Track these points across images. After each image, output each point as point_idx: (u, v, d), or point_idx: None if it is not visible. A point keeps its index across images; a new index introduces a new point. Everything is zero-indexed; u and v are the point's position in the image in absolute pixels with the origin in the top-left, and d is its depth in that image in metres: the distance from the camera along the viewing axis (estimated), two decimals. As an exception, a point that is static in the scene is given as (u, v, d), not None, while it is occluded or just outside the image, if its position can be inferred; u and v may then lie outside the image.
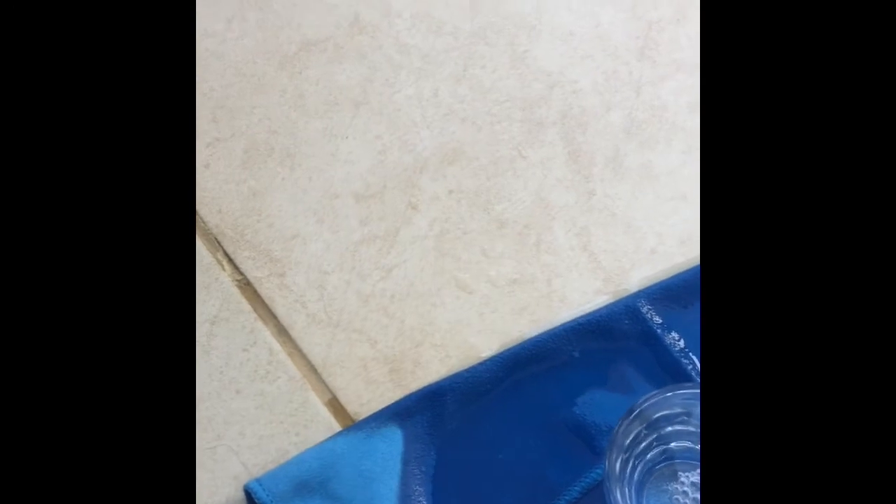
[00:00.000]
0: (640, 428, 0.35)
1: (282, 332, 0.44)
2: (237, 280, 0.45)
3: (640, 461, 0.36)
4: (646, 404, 0.35)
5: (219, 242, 0.45)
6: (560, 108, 0.47)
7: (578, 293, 0.43)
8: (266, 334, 0.44)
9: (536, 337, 0.42)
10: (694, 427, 0.36)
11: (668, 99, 0.46)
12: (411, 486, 0.39)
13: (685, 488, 0.36)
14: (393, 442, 0.40)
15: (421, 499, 0.39)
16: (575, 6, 0.48)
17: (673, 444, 0.36)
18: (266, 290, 0.44)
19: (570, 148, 0.46)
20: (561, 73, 0.47)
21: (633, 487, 0.36)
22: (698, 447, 0.36)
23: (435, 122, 0.47)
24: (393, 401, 0.41)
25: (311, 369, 0.43)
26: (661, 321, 0.41)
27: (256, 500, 0.39)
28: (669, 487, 0.37)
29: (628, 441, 0.35)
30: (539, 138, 0.46)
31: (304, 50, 0.49)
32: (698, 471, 0.36)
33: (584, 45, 0.47)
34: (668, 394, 0.35)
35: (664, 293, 0.42)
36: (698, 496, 0.36)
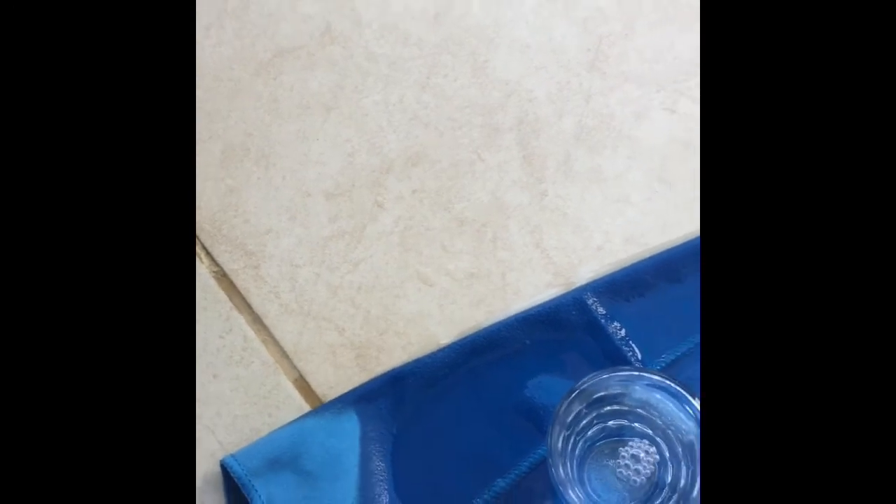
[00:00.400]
0: (580, 407, 0.39)
1: (256, 320, 0.47)
2: (214, 272, 0.48)
3: (581, 438, 0.39)
4: (585, 385, 0.38)
5: (197, 236, 0.48)
6: (516, 115, 0.50)
7: (530, 286, 0.47)
8: (241, 322, 0.47)
9: (491, 326, 0.45)
10: (629, 406, 0.39)
11: (616, 108, 0.50)
12: (373, 463, 0.43)
13: (626, 461, 0.40)
14: (356, 422, 0.44)
15: (382, 475, 0.42)
16: (531, 21, 0.52)
17: (611, 423, 0.40)
18: (241, 281, 0.48)
19: (525, 152, 0.49)
20: (517, 82, 0.51)
21: (575, 462, 0.39)
22: (635, 424, 0.40)
23: (400, 127, 0.50)
24: (358, 384, 0.45)
25: (283, 355, 0.46)
26: (604, 312, 0.45)
27: (232, 475, 0.43)
28: (609, 462, 0.40)
29: (570, 419, 0.38)
30: (496, 143, 0.50)
31: (278, 57, 0.52)
32: (635, 444, 0.39)
33: (539, 56, 0.51)
34: (605, 375, 0.38)
35: (608, 287, 0.45)
36: (639, 467, 0.39)
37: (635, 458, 0.39)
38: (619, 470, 0.40)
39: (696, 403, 0.37)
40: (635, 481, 0.39)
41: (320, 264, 0.48)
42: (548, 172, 0.49)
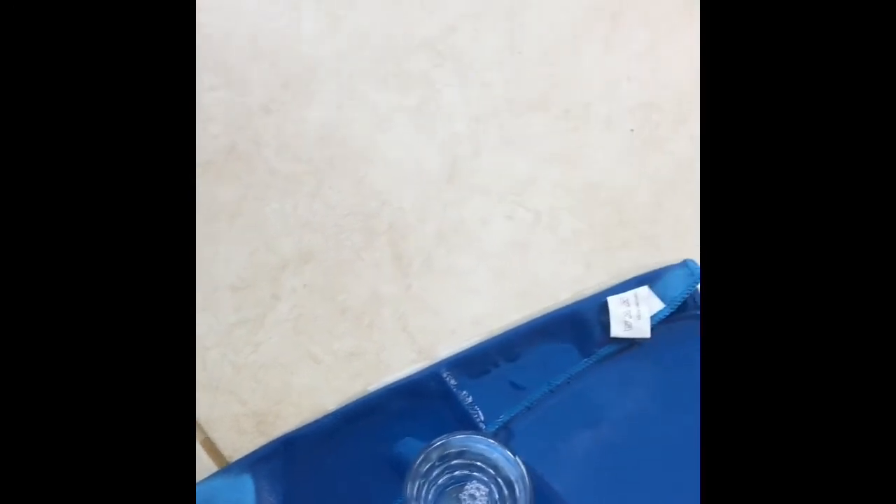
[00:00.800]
0: (432, 461, 0.50)
1: (173, 395, 0.57)
2: (137, 354, 0.58)
3: (434, 485, 0.51)
4: (436, 444, 0.50)
5: (122, 325, 0.58)
6: (388, 221, 0.62)
7: (399, 362, 0.58)
8: (161, 397, 0.57)
9: (367, 396, 0.57)
10: (469, 459, 0.51)
11: (467, 215, 0.62)
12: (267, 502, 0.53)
13: (466, 500, 0.52)
14: (254, 479, 0.54)
15: None
16: (400, 143, 0.64)
17: (457, 472, 0.51)
18: (161, 362, 0.58)
19: (395, 251, 0.61)
20: (389, 192, 0.63)
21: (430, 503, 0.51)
22: (474, 473, 0.51)
23: (294, 231, 0.61)
24: (258, 447, 0.55)
25: (196, 424, 0.56)
26: (455, 383, 0.57)
27: (155, 524, 0.52)
28: (457, 496, 0.52)
29: (424, 470, 0.50)
30: (372, 244, 0.61)
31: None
32: (471, 486, 0.51)
33: (406, 172, 0.63)
34: (451, 437, 0.50)
35: (459, 363, 0.57)
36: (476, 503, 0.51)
37: (472, 496, 0.51)
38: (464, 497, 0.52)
39: (513, 456, 0.49)
40: (474, 517, 0.51)
41: (226, 346, 0.58)
42: (413, 269, 0.61)
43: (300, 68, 0.65)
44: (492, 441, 0.50)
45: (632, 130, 0.64)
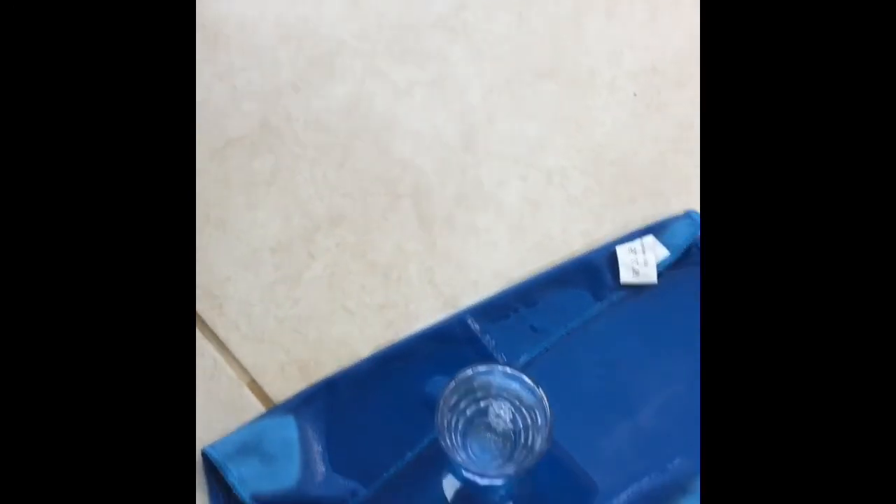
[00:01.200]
0: (459, 394, 0.55)
1: (221, 346, 0.62)
2: (187, 312, 0.63)
3: (462, 417, 0.56)
4: (460, 376, 0.54)
5: (172, 286, 0.64)
6: (411, 185, 0.67)
7: (427, 312, 0.63)
8: (210, 349, 0.62)
9: (399, 342, 0.62)
10: (493, 391, 0.56)
11: (484, 178, 0.67)
12: (313, 446, 0.58)
13: (496, 435, 0.57)
14: (300, 418, 0.59)
15: (319, 454, 0.58)
16: (419, 113, 0.69)
17: (482, 404, 0.56)
18: (209, 317, 0.63)
19: (419, 212, 0.66)
20: (411, 160, 0.68)
21: (459, 435, 0.56)
22: (499, 403, 0.56)
23: (325, 196, 0.67)
24: (301, 390, 0.61)
25: (244, 371, 0.62)
26: (478, 328, 0.62)
27: (211, 460, 0.58)
28: (486, 434, 0.57)
29: (451, 404, 0.55)
30: (397, 206, 0.67)
31: (228, 145, 0.68)
32: (496, 406, 0.55)
33: (426, 140, 0.68)
34: (475, 369, 0.54)
35: (481, 309, 0.62)
36: (500, 422, 0.56)
37: (497, 416, 0.55)
38: (490, 440, 0.57)
39: (532, 383, 0.53)
40: (501, 444, 0.56)
41: (269, 302, 0.63)
42: (436, 227, 0.66)
43: (324, 48, 0.70)
44: (512, 371, 0.54)
45: (635, 95, 0.69)
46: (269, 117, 0.68)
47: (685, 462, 0.57)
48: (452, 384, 0.53)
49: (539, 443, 0.52)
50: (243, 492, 0.57)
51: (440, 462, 0.59)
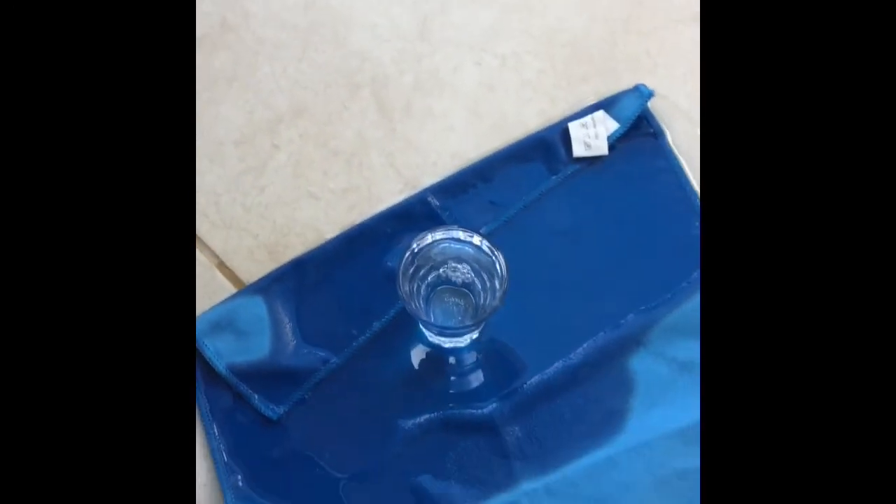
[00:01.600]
0: (419, 261, 0.57)
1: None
2: (157, 204, 0.65)
3: (423, 283, 0.59)
4: (419, 243, 0.56)
5: (142, 180, 0.66)
6: (370, 75, 0.69)
7: (388, 194, 0.66)
8: (182, 237, 0.64)
9: (363, 222, 0.64)
10: (449, 256, 0.58)
11: (440, 65, 0.69)
12: (283, 320, 0.61)
13: (457, 298, 0.60)
14: (270, 295, 0.62)
15: (290, 327, 0.61)
16: (374, 6, 0.70)
17: (441, 270, 0.59)
18: (179, 208, 0.65)
19: (378, 101, 0.68)
20: (369, 51, 0.70)
21: (422, 300, 0.59)
22: (458, 271, 0.59)
23: (286, 89, 0.69)
24: (271, 271, 0.63)
25: (216, 256, 0.64)
26: (439, 204, 0.64)
27: (187, 338, 0.60)
28: (447, 300, 0.60)
29: (411, 271, 0.57)
30: (357, 96, 0.68)
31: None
32: (452, 265, 0.58)
33: (383, 32, 0.70)
34: (430, 237, 0.57)
35: (441, 188, 0.64)
36: (462, 302, 0.59)
37: (454, 268, 0.57)
38: (450, 305, 0.59)
39: (487, 244, 0.55)
40: (463, 307, 0.59)
41: (235, 192, 0.66)
42: (395, 114, 0.68)
43: (279, -54, 0.71)
44: (466, 233, 0.56)
45: (583, -23, 0.70)
46: (227, 15, 0.70)
47: (638, 318, 0.60)
48: (413, 248, 0.55)
49: (497, 298, 0.55)
50: (219, 363, 0.60)
51: (406, 331, 0.62)
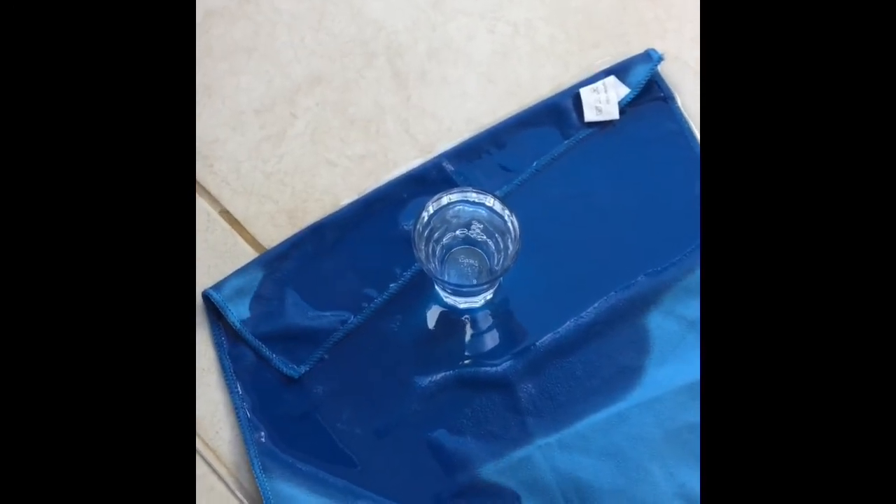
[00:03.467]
0: (434, 223, 0.59)
1: (214, 201, 0.67)
2: (180, 172, 0.67)
3: (438, 245, 0.60)
4: (435, 205, 0.58)
5: (165, 149, 0.68)
6: (385, 44, 0.70)
7: (404, 160, 0.67)
8: (204, 203, 0.66)
9: (380, 187, 0.66)
10: (464, 218, 0.60)
11: (453, 33, 0.70)
12: (304, 283, 0.63)
13: (470, 259, 0.61)
14: (290, 259, 0.64)
15: (307, 289, 0.63)
16: (390, -25, 0.72)
17: (458, 232, 0.61)
18: (201, 175, 0.67)
19: (393, 69, 0.70)
20: (384, 20, 0.71)
21: (438, 262, 0.60)
22: (473, 232, 0.60)
23: (303, 59, 0.70)
24: (290, 235, 0.65)
25: (237, 223, 0.66)
26: (453, 169, 0.66)
27: (213, 300, 0.63)
28: (462, 261, 0.61)
29: (426, 232, 0.59)
30: (373, 64, 0.70)
31: (208, 16, 0.71)
32: (468, 227, 0.59)
33: (397, 1, 0.71)
34: (446, 199, 0.58)
35: (456, 154, 0.66)
36: (476, 263, 0.61)
37: (468, 230, 0.59)
38: (466, 266, 0.61)
39: (500, 205, 0.57)
40: (477, 268, 0.61)
41: (256, 159, 0.68)
42: (410, 82, 0.69)
43: (295, -82, 0.73)
44: (479, 194, 0.57)
45: (595, -56, 0.71)
46: (246, -12, 0.71)
47: (648, 279, 0.62)
48: (429, 210, 0.57)
49: (510, 258, 0.56)
50: (243, 329, 0.62)
51: (422, 292, 0.63)
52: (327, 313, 0.63)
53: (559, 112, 0.67)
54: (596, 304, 0.61)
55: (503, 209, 0.57)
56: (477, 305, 0.62)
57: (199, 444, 0.60)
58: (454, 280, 0.61)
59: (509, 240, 0.57)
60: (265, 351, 0.62)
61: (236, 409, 0.61)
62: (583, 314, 0.61)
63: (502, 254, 0.59)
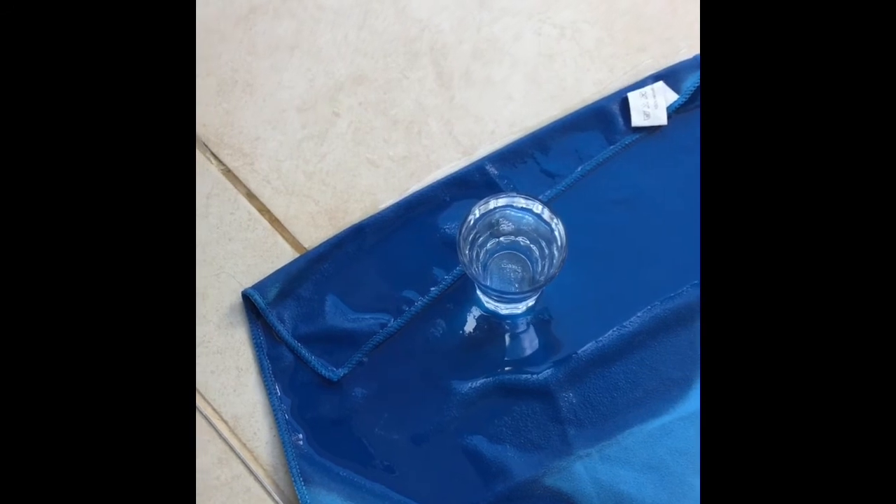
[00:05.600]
0: (478, 228, 0.58)
1: (255, 200, 0.66)
2: (221, 169, 0.67)
3: (482, 249, 0.59)
4: (481, 209, 0.57)
5: (206, 145, 0.67)
6: (429, 43, 0.70)
7: (447, 162, 0.67)
8: (245, 202, 0.66)
9: (421, 189, 0.65)
10: (511, 225, 0.59)
11: (499, 34, 0.69)
12: (344, 285, 0.62)
13: (513, 265, 0.60)
14: (329, 261, 0.63)
15: (347, 288, 0.62)
16: (435, -26, 0.71)
17: (502, 238, 0.60)
18: (242, 174, 0.67)
19: (437, 69, 0.69)
20: (429, 19, 0.70)
21: (481, 267, 0.60)
22: (518, 238, 0.60)
23: (346, 57, 0.69)
24: (331, 236, 0.65)
25: (277, 222, 0.66)
26: (497, 173, 0.65)
27: (253, 301, 0.62)
28: (505, 266, 0.61)
29: (471, 236, 0.58)
30: (416, 64, 0.69)
31: (252, 12, 0.70)
32: (513, 237, 0.59)
33: (442, 0, 0.70)
34: (493, 203, 0.58)
35: (500, 157, 0.65)
36: (519, 269, 0.60)
37: (516, 233, 0.58)
38: (508, 271, 0.60)
39: (547, 212, 0.56)
40: (521, 274, 0.60)
41: (297, 158, 0.67)
42: (454, 82, 0.69)
43: (340, -86, 0.72)
44: (527, 199, 0.56)
45: (644, -55, 0.70)
46: (290, -16, 0.71)
47: (693, 290, 0.61)
48: (475, 213, 0.56)
49: (555, 266, 0.55)
50: (283, 330, 0.62)
51: (463, 297, 0.63)
52: (367, 316, 0.62)
53: (605, 116, 0.65)
54: (639, 314, 0.60)
55: (551, 217, 0.56)
56: (519, 312, 0.61)
57: (236, 445, 0.60)
58: (496, 286, 0.60)
59: (555, 247, 0.57)
60: (304, 352, 0.61)
61: (274, 411, 0.60)
62: (626, 323, 0.60)
63: (546, 261, 0.58)
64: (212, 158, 0.67)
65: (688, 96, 0.65)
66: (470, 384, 0.60)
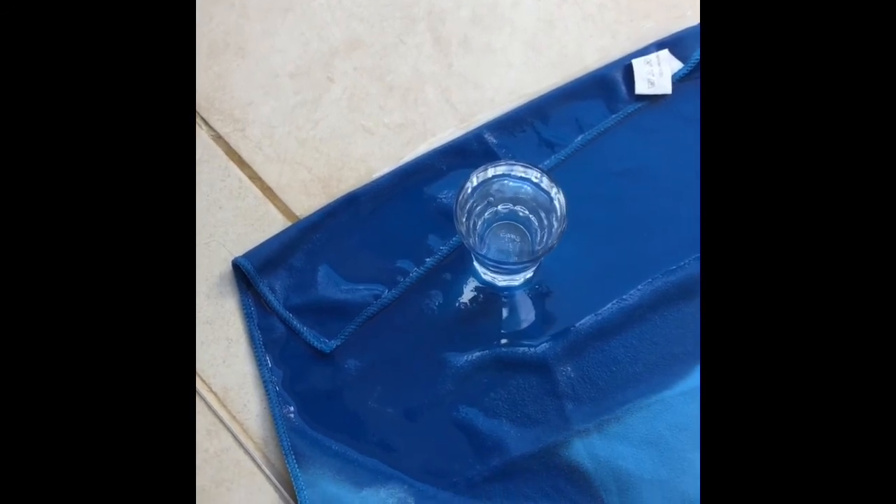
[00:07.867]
0: (476, 197, 0.57)
1: (246, 167, 0.64)
2: (211, 135, 0.65)
3: (480, 219, 0.58)
4: (478, 177, 0.56)
5: (196, 111, 0.65)
6: (426, 8, 0.68)
7: (444, 130, 0.65)
8: (235, 169, 0.64)
9: (418, 158, 0.63)
10: (506, 194, 0.57)
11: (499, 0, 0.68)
12: (337, 255, 0.61)
13: (511, 234, 0.59)
14: (327, 229, 0.62)
15: (343, 258, 0.61)
16: (433, -64, 0.69)
17: (499, 207, 0.58)
18: (233, 140, 0.65)
19: (435, 35, 0.67)
20: (426, -17, 0.68)
21: (478, 237, 0.58)
22: (516, 208, 0.58)
23: (341, 21, 0.67)
24: (324, 204, 0.63)
25: (269, 190, 0.64)
26: (495, 142, 0.63)
27: (243, 270, 0.60)
28: (503, 235, 0.59)
29: (468, 205, 0.56)
30: (413, 29, 0.67)
31: (244, -26, 0.68)
32: (521, 221, 0.57)
33: (441, -37, 0.68)
34: (491, 172, 0.56)
35: (498, 125, 0.64)
36: (517, 239, 0.58)
37: (514, 202, 0.57)
38: (506, 241, 0.59)
39: (546, 180, 0.54)
40: (519, 243, 0.58)
41: (290, 124, 0.65)
42: (452, 49, 0.67)
43: None
44: (525, 168, 0.55)
45: None
46: (283, -55, 0.69)
47: (695, 264, 0.59)
48: (472, 182, 0.54)
49: (554, 236, 0.54)
50: (274, 300, 0.60)
51: (460, 268, 0.61)
52: (360, 286, 0.60)
53: (607, 84, 0.64)
54: (640, 287, 0.59)
55: (550, 186, 0.54)
56: (516, 283, 0.60)
57: (225, 417, 0.59)
58: (494, 256, 0.58)
59: (554, 217, 0.55)
60: (295, 323, 0.60)
61: (265, 383, 0.59)
62: (626, 296, 0.59)
63: (545, 231, 0.56)
64: (202, 124, 0.65)
65: (693, 66, 0.63)
66: (465, 357, 0.59)
